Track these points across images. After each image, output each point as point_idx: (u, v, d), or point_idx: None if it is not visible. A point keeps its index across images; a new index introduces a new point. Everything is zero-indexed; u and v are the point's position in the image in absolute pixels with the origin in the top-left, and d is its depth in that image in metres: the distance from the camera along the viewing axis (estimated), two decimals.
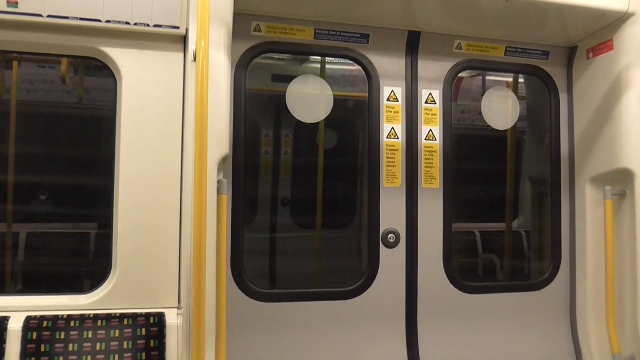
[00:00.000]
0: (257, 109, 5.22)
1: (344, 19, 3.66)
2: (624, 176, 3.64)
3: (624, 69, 3.59)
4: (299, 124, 3.88)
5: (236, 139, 3.48)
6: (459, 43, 3.91)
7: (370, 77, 3.78)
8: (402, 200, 3.79)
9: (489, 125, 4.11)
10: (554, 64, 4.12)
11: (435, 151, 3.85)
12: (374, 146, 3.75)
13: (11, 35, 2.90)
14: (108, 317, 2.84)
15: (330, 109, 3.82)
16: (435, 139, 3.86)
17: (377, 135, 3.76)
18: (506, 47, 4.00)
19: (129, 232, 2.97)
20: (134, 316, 2.87)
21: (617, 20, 3.60)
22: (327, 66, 4.53)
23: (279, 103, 4.48)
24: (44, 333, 2.72)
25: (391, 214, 3.76)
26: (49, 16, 2.84)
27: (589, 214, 3.91)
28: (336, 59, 4.18)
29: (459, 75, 4.00)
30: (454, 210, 3.91)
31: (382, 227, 3.74)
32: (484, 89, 4.75)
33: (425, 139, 3.84)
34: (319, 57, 4.47)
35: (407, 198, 3.80)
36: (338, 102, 3.88)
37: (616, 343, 3.62)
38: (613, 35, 3.67)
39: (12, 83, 4.23)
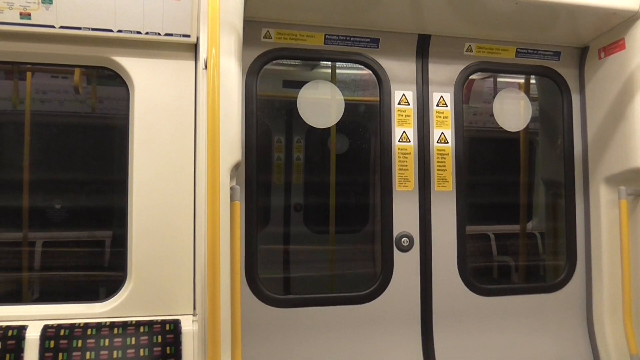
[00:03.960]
0: (269, 115, 5.23)
1: (353, 24, 3.66)
2: (638, 176, 3.62)
3: (636, 68, 3.57)
4: (311, 129, 3.88)
5: (248, 145, 3.50)
6: (470, 45, 3.91)
7: (381, 81, 3.78)
8: (415, 204, 3.79)
9: (501, 128, 4.09)
10: (565, 65, 4.10)
11: (448, 154, 3.84)
12: (386, 150, 3.75)
13: (25, 47, 2.94)
14: (124, 325, 2.85)
15: (342, 113, 3.83)
16: (448, 142, 3.85)
17: (389, 139, 3.76)
18: (517, 48, 3.98)
19: (144, 240, 2.99)
20: (150, 323, 2.89)
21: (628, 19, 3.58)
22: (337, 71, 4.53)
23: (290, 109, 4.50)
24: (61, 342, 2.74)
25: (404, 218, 3.76)
26: (61, 27, 2.87)
27: (603, 214, 3.88)
28: (347, 64, 4.18)
29: (470, 77, 3.99)
30: (467, 213, 3.89)
31: (396, 231, 3.73)
32: (495, 91, 4.74)
33: (438, 142, 3.83)
34: (330, 63, 4.47)
35: (420, 202, 3.79)
36: (349, 106, 3.89)
37: (634, 344, 3.58)
38: (624, 35, 3.65)
39: (26, 94, 4.27)
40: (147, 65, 3.05)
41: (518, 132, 4.41)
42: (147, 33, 2.97)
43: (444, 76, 3.89)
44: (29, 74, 4.26)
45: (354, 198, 5.34)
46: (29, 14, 2.82)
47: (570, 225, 4.06)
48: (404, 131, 3.78)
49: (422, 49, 3.85)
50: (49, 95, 4.77)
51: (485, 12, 3.54)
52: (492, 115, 4.11)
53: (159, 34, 2.98)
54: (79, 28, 2.89)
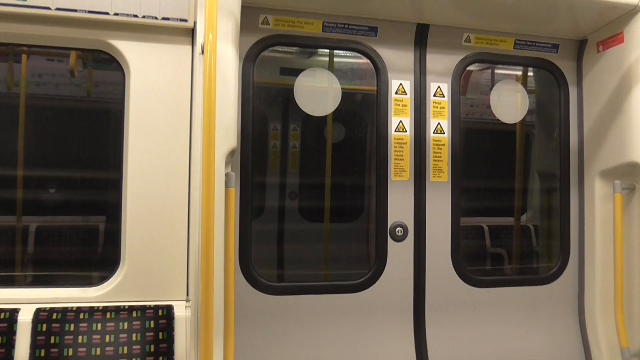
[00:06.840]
0: (265, 102, 5.21)
1: (352, 12, 3.64)
2: (633, 170, 3.63)
3: (634, 62, 3.56)
4: (307, 117, 3.87)
5: (244, 132, 3.48)
6: (468, 36, 3.89)
7: (379, 70, 3.77)
8: (410, 194, 3.78)
9: (498, 119, 4.09)
10: (563, 57, 4.09)
11: (444, 145, 3.84)
12: (382, 140, 3.75)
13: (20, 29, 2.91)
14: (117, 310, 2.85)
15: (339, 102, 3.82)
16: (444, 133, 3.84)
17: (385, 128, 3.75)
18: (515, 40, 3.97)
19: (138, 225, 2.98)
20: (143, 309, 2.88)
21: (627, 13, 3.57)
22: (335, 59, 4.52)
23: (287, 96, 4.48)
24: (53, 325, 2.74)
25: (399, 207, 3.76)
26: (57, 9, 2.84)
27: (598, 208, 3.89)
28: (344, 52, 4.16)
29: (468, 68, 3.98)
30: (462, 204, 3.89)
31: (390, 221, 3.73)
32: (493, 82, 4.73)
33: (434, 133, 3.83)
34: (327, 50, 4.45)
35: (416, 192, 3.79)
36: (346, 95, 3.87)
37: (624, 338, 3.61)
38: (623, 29, 3.64)
39: (21, 76, 4.24)
40: (143, 49, 3.03)
41: (514, 124, 4.41)
42: (144, 17, 2.95)
43: (441, 66, 3.88)
44: (24, 56, 4.23)
45: (349, 187, 5.33)
46: None
47: (564, 218, 4.07)
48: (401, 121, 3.78)
49: (421, 38, 3.83)
50: (44, 78, 4.75)
51: (485, 3, 3.52)
52: (489, 106, 4.11)
53: (156, 17, 2.96)
54: (75, 10, 2.87)
